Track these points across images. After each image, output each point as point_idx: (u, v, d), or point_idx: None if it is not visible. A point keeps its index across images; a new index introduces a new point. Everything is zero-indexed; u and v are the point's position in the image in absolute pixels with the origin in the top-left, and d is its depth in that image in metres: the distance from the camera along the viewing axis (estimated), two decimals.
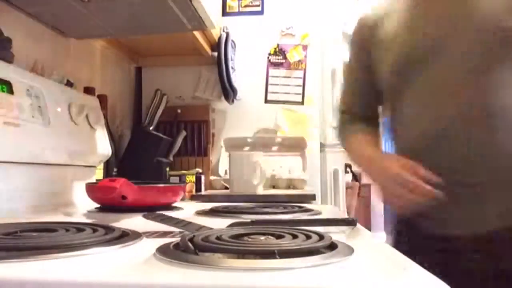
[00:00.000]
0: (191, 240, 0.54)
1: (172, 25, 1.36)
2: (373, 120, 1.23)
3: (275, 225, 0.71)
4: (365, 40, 1.15)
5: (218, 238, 0.56)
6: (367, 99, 1.20)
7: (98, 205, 1.11)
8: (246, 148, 1.96)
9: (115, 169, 1.64)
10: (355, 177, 3.79)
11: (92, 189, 1.09)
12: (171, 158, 1.84)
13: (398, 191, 0.92)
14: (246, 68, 2.11)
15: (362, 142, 1.15)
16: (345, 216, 0.99)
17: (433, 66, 0.99)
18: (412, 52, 1.02)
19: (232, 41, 2.05)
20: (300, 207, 1.06)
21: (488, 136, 0.93)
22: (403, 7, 1.08)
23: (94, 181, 1.37)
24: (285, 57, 2.12)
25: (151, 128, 1.90)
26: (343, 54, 1.46)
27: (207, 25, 1.36)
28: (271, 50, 2.12)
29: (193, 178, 1.66)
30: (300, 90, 2.10)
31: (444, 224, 0.96)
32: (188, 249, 0.52)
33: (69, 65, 1.51)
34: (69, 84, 1.36)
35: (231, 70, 1.99)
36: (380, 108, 1.23)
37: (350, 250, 0.53)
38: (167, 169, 1.75)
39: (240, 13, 2.16)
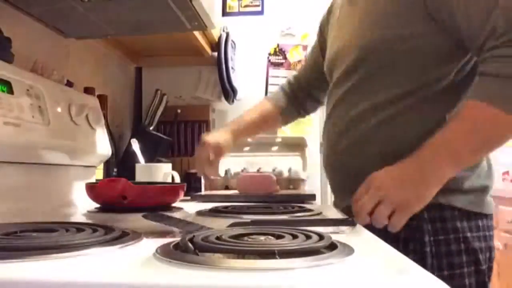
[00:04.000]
0: (191, 240, 0.54)
1: (172, 25, 1.36)
2: (308, 99, 1.39)
3: (275, 225, 0.71)
4: (322, 25, 1.33)
5: (218, 238, 0.56)
6: (314, 76, 1.34)
7: (98, 205, 1.11)
8: (246, 148, 1.96)
9: (115, 169, 1.64)
10: None
11: (92, 189, 1.09)
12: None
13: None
14: (246, 68, 2.11)
15: None
16: (345, 216, 0.99)
17: (333, 77, 1.11)
18: (330, 58, 1.14)
19: (232, 41, 2.05)
20: (300, 207, 1.06)
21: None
22: (338, 12, 1.17)
23: (94, 181, 1.37)
24: (285, 57, 2.12)
25: (151, 128, 1.90)
26: None
27: (207, 25, 1.36)
28: (271, 50, 2.13)
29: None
30: None
31: None
32: (188, 249, 0.52)
33: (69, 65, 1.51)
34: (69, 84, 1.35)
35: (231, 70, 1.99)
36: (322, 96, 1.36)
37: (350, 250, 0.53)
38: None
39: (240, 13, 2.16)
